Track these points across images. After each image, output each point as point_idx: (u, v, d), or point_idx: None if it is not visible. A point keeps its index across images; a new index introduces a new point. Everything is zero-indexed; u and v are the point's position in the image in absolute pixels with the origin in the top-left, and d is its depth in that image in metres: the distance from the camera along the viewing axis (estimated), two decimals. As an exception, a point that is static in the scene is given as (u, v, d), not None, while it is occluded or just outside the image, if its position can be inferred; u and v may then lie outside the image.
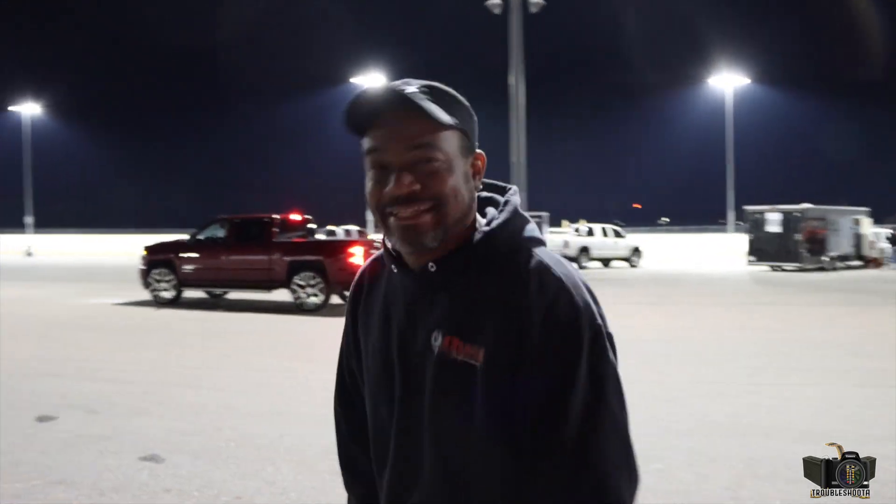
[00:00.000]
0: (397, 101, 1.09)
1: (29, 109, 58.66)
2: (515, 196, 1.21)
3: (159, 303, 15.67)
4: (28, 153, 58.27)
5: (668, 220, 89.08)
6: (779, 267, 27.78)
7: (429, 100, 1.09)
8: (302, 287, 14.47)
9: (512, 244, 1.14)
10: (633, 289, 20.30)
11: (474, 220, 1.17)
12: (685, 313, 14.28)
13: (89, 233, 51.29)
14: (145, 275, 16.14)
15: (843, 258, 28.70)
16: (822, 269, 27.27)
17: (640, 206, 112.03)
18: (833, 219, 28.78)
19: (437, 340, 1.13)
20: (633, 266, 31.41)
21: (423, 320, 1.16)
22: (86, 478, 4.70)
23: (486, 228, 1.14)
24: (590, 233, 31.42)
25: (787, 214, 27.96)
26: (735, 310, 14.72)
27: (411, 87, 1.10)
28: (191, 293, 16.37)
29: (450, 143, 1.11)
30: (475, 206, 1.18)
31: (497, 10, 27.31)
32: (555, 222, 35.73)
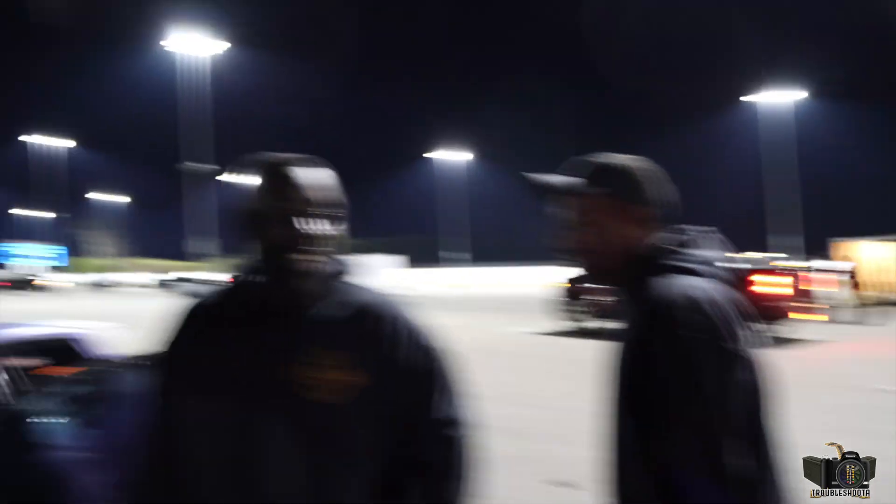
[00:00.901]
0: None
1: (459, 156, 65.73)
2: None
3: (579, 333, 16.16)
4: (465, 199, 66.31)
5: None
6: None
7: None
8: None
9: None
10: None
11: None
12: None
13: (514, 265, 55.62)
14: (566, 305, 17.12)
15: None
16: None
17: None
18: None
19: None
20: None
21: None
22: (497, 494, 5.00)
23: None
24: None
25: None
26: None
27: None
28: (610, 325, 16.78)
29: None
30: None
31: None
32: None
